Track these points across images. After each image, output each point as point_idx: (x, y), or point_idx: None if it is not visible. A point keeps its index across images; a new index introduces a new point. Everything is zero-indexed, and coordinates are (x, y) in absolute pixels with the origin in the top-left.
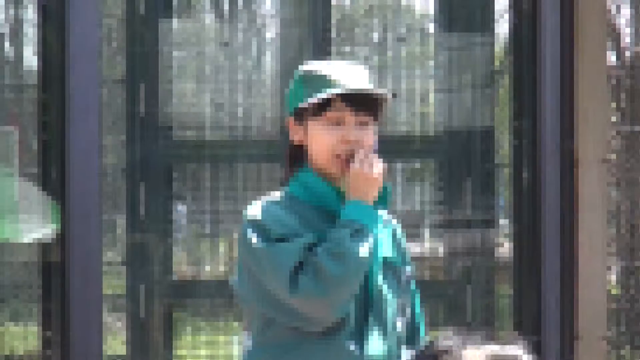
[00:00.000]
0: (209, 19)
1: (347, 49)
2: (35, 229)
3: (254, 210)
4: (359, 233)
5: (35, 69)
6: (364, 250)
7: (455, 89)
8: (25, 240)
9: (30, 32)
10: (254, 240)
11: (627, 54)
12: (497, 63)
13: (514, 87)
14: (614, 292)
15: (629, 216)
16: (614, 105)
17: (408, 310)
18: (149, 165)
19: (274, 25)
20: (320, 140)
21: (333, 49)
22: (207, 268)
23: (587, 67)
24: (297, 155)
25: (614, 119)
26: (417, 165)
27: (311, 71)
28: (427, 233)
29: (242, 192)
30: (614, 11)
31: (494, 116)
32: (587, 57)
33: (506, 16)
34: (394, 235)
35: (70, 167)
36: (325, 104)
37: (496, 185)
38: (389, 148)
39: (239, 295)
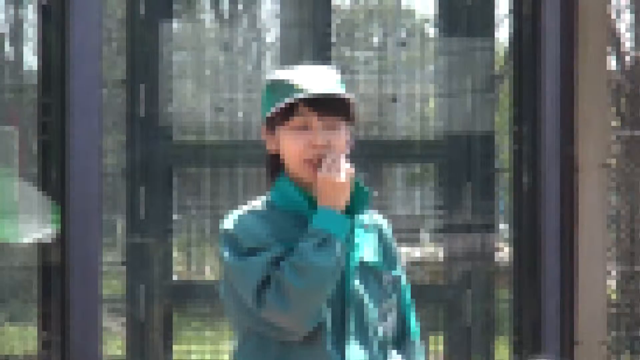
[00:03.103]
0: (209, 21)
1: (347, 52)
2: (35, 230)
3: (229, 221)
4: (325, 243)
5: (36, 69)
6: (329, 260)
7: (456, 94)
8: (25, 241)
9: (31, 32)
10: (225, 253)
11: (628, 59)
12: (497, 68)
13: (515, 91)
14: (613, 297)
15: (629, 221)
16: (614, 110)
17: (394, 314)
18: (149, 166)
19: (274, 28)
20: (289, 147)
21: (333, 52)
22: (207, 270)
23: (588, 72)
24: (276, 163)
25: (614, 123)
26: (417, 169)
27: (276, 79)
28: (427, 237)
29: (242, 194)
30: (614, 16)
31: (494, 121)
32: (588, 62)
33: (507, 21)
34: (381, 237)
35: (70, 168)
36: (290, 111)
37: (496, 190)
38: (389, 152)
39: (223, 304)
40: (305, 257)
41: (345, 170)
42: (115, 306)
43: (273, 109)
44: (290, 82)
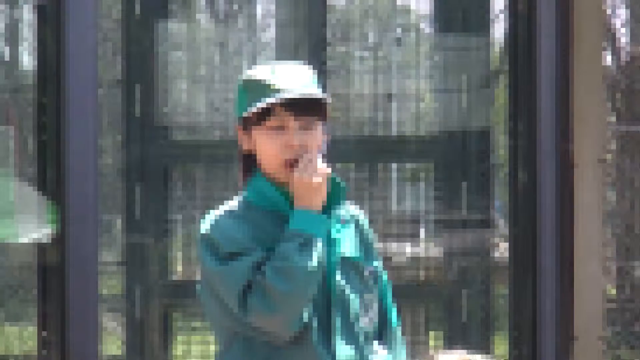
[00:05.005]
0: (205, 20)
1: (343, 50)
2: (33, 230)
3: (206, 224)
4: (307, 245)
5: (32, 70)
6: (312, 261)
7: (452, 90)
8: (23, 241)
9: (27, 33)
10: (206, 258)
11: (623, 54)
12: (493, 64)
13: (511, 88)
14: (610, 292)
15: (625, 217)
16: (610, 106)
17: (375, 306)
18: (145, 166)
19: (270, 27)
20: (266, 147)
21: (329, 50)
22: None
23: (584, 68)
24: (250, 162)
25: (610, 119)
26: (414, 166)
27: (251, 78)
28: (423, 234)
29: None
30: (610, 12)
31: (491, 117)
32: (584, 58)
33: (502, 17)
34: (358, 230)
35: (67, 168)
36: (267, 111)
37: (493, 186)
38: (386, 149)
39: (203, 307)
40: (288, 260)
41: (320, 171)
42: (114, 305)
43: (250, 110)
44: (266, 83)
